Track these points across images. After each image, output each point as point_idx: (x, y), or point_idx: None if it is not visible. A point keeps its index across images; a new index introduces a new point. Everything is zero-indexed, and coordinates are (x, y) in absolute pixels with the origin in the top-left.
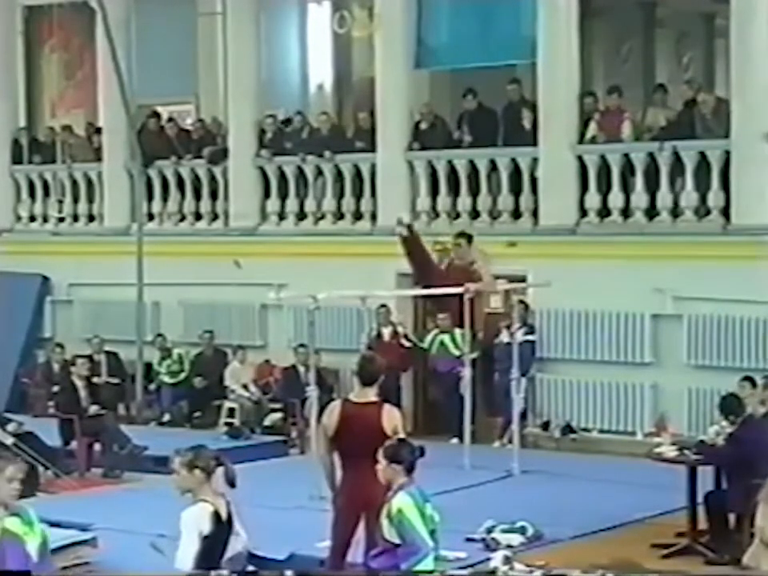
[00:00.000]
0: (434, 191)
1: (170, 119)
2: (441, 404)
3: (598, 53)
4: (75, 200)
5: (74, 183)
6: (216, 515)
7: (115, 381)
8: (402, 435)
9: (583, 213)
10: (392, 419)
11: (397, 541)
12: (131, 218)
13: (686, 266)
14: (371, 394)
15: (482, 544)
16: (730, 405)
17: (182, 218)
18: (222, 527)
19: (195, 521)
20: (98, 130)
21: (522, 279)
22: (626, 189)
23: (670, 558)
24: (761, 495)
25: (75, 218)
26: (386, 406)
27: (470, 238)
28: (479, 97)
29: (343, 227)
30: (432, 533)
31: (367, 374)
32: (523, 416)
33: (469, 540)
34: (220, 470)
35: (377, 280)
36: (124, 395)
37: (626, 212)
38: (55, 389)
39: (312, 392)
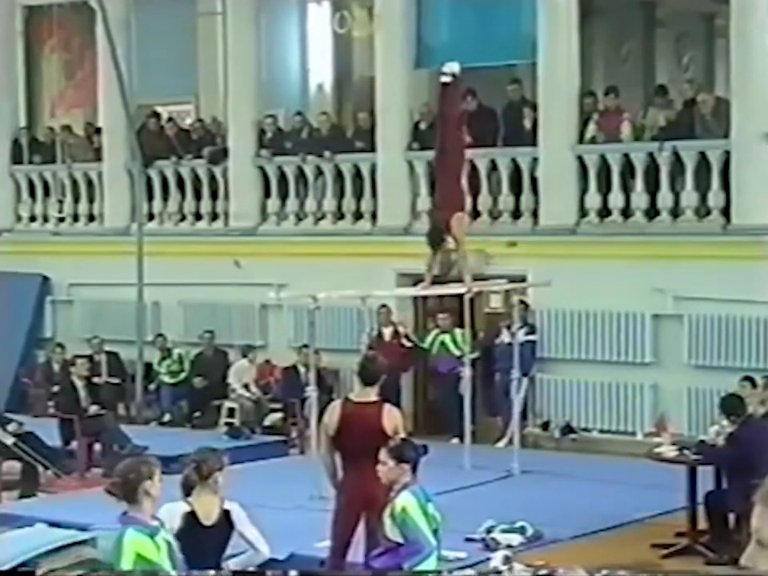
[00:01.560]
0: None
1: (170, 119)
2: (441, 404)
3: (598, 53)
4: (75, 200)
5: (74, 183)
6: (191, 515)
7: (115, 381)
8: (402, 435)
9: (583, 213)
10: (392, 419)
11: (400, 540)
12: (131, 218)
13: (686, 265)
14: (372, 394)
15: (481, 544)
16: (731, 404)
17: (182, 218)
18: (197, 529)
19: (165, 514)
20: (98, 130)
21: (522, 279)
22: (626, 189)
23: (669, 558)
24: (757, 496)
25: (75, 218)
26: (387, 406)
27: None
28: (479, 97)
29: (343, 227)
30: (434, 532)
31: (369, 374)
32: (523, 416)
33: (469, 540)
34: (219, 474)
35: (377, 280)
36: (124, 395)
37: (625, 212)
38: (55, 389)
39: (312, 392)
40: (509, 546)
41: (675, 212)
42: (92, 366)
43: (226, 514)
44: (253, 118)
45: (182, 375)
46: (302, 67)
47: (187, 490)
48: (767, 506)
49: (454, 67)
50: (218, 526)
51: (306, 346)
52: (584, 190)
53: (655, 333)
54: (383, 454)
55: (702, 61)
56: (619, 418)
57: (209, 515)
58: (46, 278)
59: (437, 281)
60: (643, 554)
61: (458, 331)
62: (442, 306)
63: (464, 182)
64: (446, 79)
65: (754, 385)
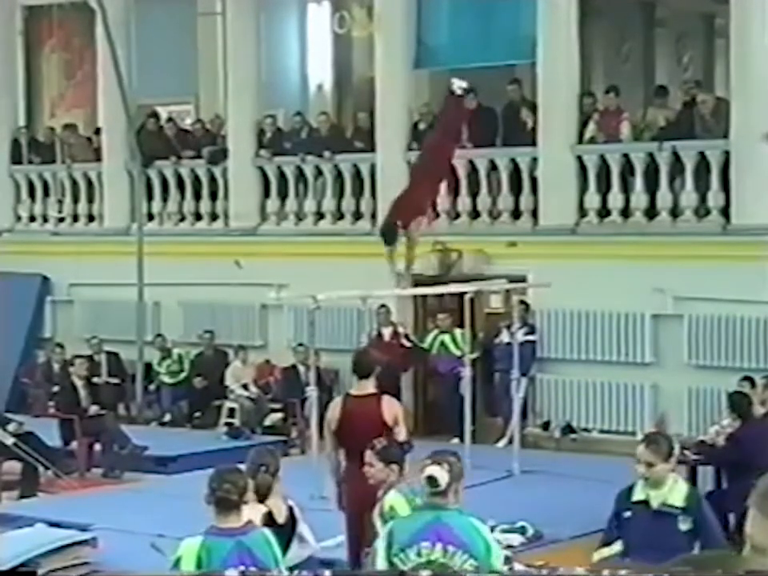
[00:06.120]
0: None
1: (170, 119)
2: (441, 404)
3: (598, 53)
4: (75, 200)
5: (74, 183)
6: (268, 517)
7: (115, 381)
8: (402, 425)
9: (583, 213)
10: (392, 409)
11: None
12: (131, 218)
13: (685, 265)
14: (369, 387)
15: None
16: (738, 402)
17: (182, 218)
18: (274, 529)
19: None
20: (98, 130)
21: (522, 279)
22: (626, 189)
23: None
24: (750, 500)
25: (75, 218)
26: (385, 397)
27: None
28: (479, 97)
29: (343, 227)
30: None
31: (362, 367)
32: (523, 416)
33: None
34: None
35: (377, 280)
36: (124, 395)
37: (625, 212)
38: (55, 389)
39: (312, 392)
40: (509, 546)
41: (675, 212)
42: (92, 366)
43: (290, 510)
44: (252, 118)
45: (182, 375)
46: (301, 67)
47: (264, 493)
48: (760, 510)
49: (463, 84)
50: (288, 524)
51: (301, 345)
52: (584, 190)
53: (655, 333)
54: (369, 456)
55: (702, 61)
56: (619, 418)
57: (280, 512)
58: (45, 278)
59: (437, 281)
60: None
61: (457, 331)
62: (442, 306)
63: (439, 190)
64: (458, 91)
65: (753, 385)
